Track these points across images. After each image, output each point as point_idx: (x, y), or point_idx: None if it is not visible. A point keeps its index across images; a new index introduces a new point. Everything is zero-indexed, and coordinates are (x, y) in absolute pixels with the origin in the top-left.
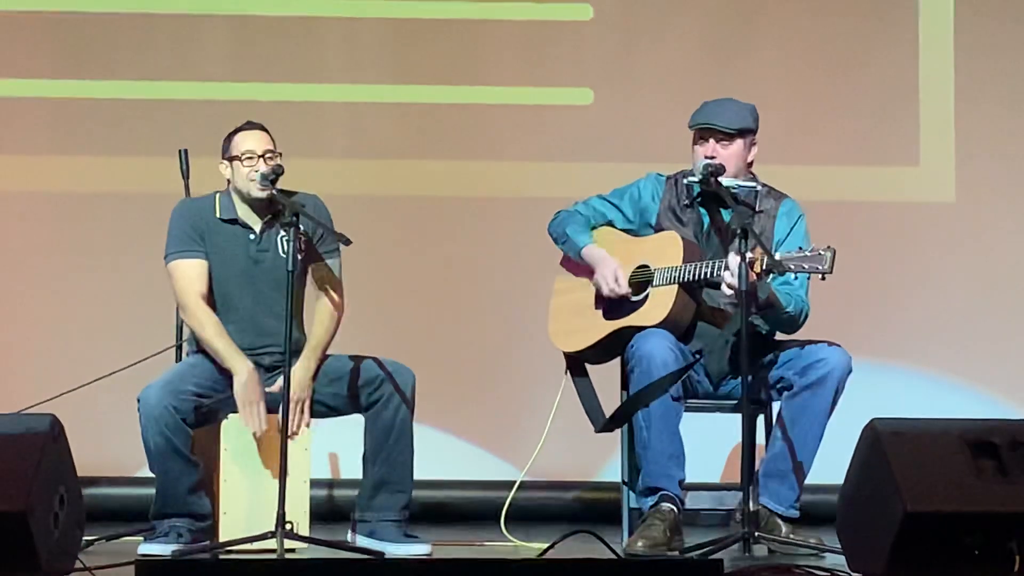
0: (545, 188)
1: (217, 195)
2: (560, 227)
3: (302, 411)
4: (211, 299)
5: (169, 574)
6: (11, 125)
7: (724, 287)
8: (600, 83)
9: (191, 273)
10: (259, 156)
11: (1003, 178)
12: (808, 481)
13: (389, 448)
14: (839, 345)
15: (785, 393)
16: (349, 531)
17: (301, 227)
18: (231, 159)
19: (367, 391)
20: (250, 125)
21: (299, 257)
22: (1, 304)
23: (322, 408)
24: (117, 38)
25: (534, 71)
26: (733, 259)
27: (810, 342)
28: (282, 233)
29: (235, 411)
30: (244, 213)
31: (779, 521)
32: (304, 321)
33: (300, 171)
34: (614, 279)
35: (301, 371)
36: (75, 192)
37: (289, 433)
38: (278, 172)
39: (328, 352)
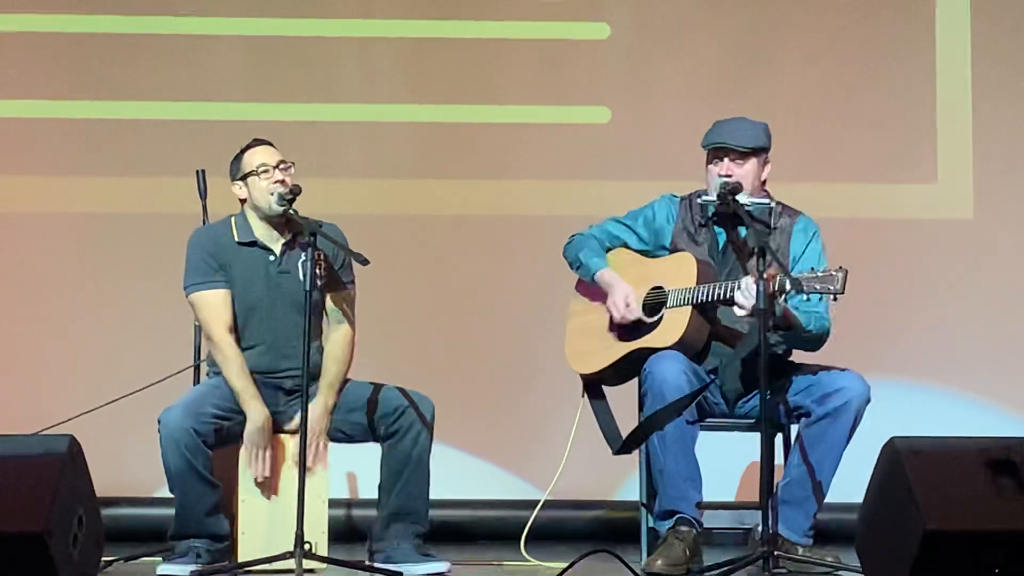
0: (562, 207)
1: (232, 218)
2: (574, 251)
3: (319, 447)
4: (233, 323)
5: None
6: (30, 146)
7: (736, 309)
8: (617, 101)
9: (215, 304)
10: (274, 167)
11: (1021, 195)
12: (827, 500)
13: (405, 480)
14: (858, 373)
15: (803, 420)
16: (366, 560)
17: (322, 249)
18: (245, 177)
19: (386, 422)
20: (256, 142)
21: (317, 278)
22: (19, 324)
23: (340, 435)
24: (134, 59)
25: (551, 90)
26: (746, 280)
27: (828, 368)
28: (303, 257)
29: None
30: (262, 234)
31: (794, 547)
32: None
33: (317, 191)
34: (624, 304)
35: (319, 410)
36: (93, 212)
37: (307, 466)
38: (296, 192)
39: (348, 376)
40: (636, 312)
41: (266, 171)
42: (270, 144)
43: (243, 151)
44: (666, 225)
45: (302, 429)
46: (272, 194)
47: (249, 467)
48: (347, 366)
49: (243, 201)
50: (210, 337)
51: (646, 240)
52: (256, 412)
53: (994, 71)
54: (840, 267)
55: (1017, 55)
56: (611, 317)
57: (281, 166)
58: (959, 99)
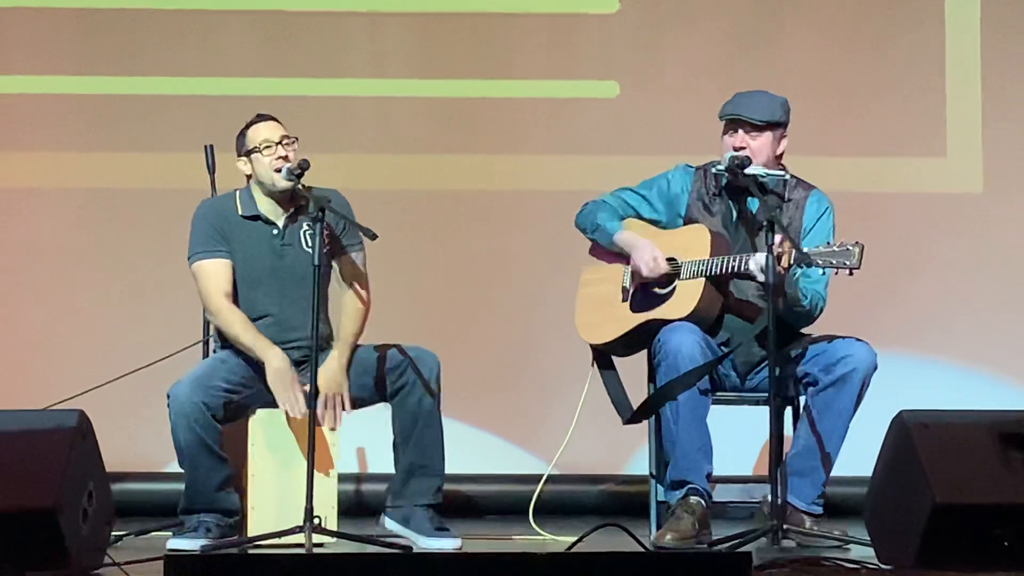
0: (571, 181)
1: (237, 192)
2: (589, 217)
3: (341, 404)
4: (235, 297)
5: (198, 569)
6: (39, 121)
7: (757, 275)
8: (626, 76)
9: (215, 273)
10: (276, 143)
11: None
12: (836, 473)
13: (418, 433)
14: (865, 342)
15: (810, 389)
16: (382, 515)
17: (328, 223)
18: (249, 153)
19: (392, 378)
20: (260, 117)
21: (324, 251)
22: (29, 300)
23: (352, 401)
24: (143, 34)
25: (560, 64)
26: (762, 253)
27: (836, 338)
28: (305, 228)
29: (264, 406)
30: (266, 208)
31: (803, 516)
32: (329, 314)
33: (326, 166)
34: (652, 259)
35: (334, 365)
36: (101, 188)
37: (330, 426)
38: (304, 167)
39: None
40: (664, 265)
41: (269, 147)
42: (274, 119)
43: (247, 127)
44: (681, 194)
45: (311, 402)
46: (278, 170)
47: (287, 408)
48: (361, 324)
49: (248, 176)
50: (208, 305)
51: (660, 210)
52: (272, 355)
53: (1004, 44)
54: (856, 242)
55: None
56: (623, 286)
57: (284, 141)
58: (969, 72)
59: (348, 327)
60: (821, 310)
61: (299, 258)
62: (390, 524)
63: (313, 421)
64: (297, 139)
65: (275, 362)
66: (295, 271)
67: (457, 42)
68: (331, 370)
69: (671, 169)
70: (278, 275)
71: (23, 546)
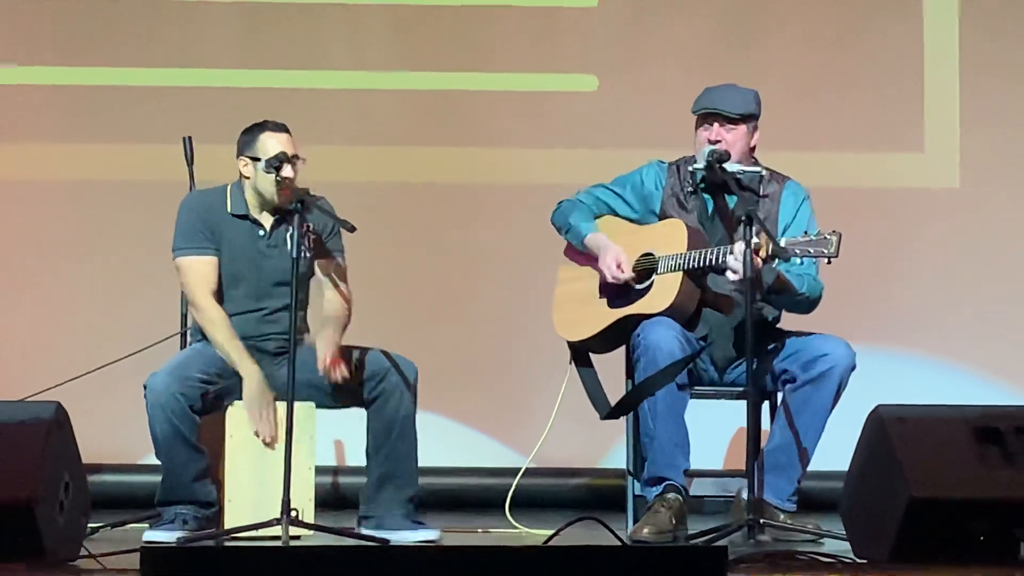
0: (550, 175)
1: (228, 188)
2: (563, 216)
3: (339, 366)
4: (217, 292)
5: (174, 561)
6: (15, 112)
7: (728, 273)
8: (605, 70)
9: (202, 271)
10: (289, 164)
11: (1008, 164)
12: (813, 468)
13: (392, 444)
14: (844, 340)
15: (788, 386)
16: (356, 525)
17: (310, 222)
18: (255, 160)
19: (370, 385)
20: (277, 127)
21: (304, 248)
22: (5, 292)
23: (327, 400)
24: (121, 25)
25: (539, 58)
26: (738, 246)
27: (815, 334)
28: (291, 230)
29: (241, 398)
30: (255, 209)
31: (777, 512)
32: (308, 316)
33: (306, 158)
34: (616, 266)
35: (328, 336)
36: (78, 180)
37: (342, 379)
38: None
39: None
40: (628, 274)
41: (280, 167)
42: (287, 131)
43: (260, 131)
44: (655, 191)
45: (289, 396)
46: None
47: (259, 431)
48: (344, 323)
49: (246, 177)
50: (195, 303)
51: (635, 207)
52: (249, 373)
53: (981, 41)
54: (833, 231)
55: (1004, 25)
56: (600, 283)
57: (296, 162)
58: (947, 69)
59: (333, 318)
60: (821, 293)
61: (283, 260)
62: (367, 532)
63: (291, 414)
64: (304, 160)
65: (252, 382)
66: (278, 272)
67: (437, 35)
68: (326, 343)
69: (643, 166)
70: (261, 275)
71: None
